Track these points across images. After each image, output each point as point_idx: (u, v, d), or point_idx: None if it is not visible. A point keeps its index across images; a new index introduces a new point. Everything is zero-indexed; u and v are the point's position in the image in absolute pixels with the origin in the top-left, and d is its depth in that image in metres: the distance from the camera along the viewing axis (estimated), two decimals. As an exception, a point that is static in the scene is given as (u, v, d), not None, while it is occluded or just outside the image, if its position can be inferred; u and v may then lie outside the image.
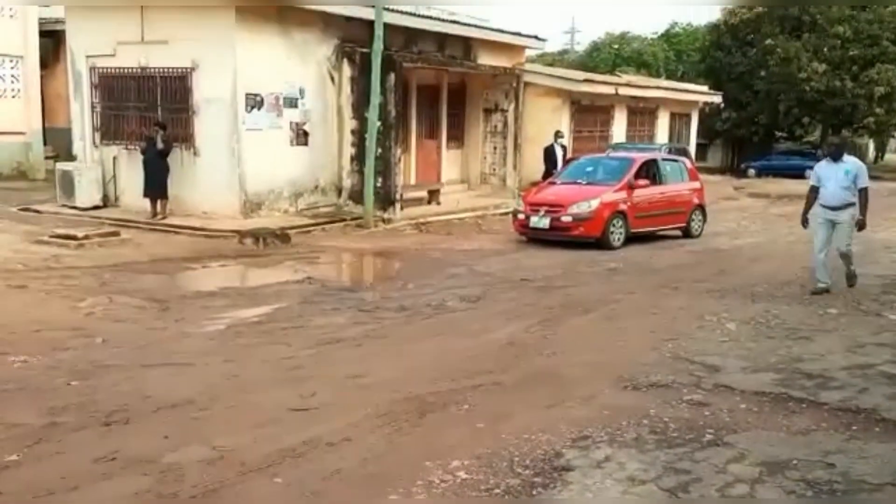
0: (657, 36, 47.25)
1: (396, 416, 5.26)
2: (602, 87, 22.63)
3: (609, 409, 5.48)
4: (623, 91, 23.38)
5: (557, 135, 18.00)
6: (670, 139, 26.57)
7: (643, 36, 47.12)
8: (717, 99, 30.14)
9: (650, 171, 13.99)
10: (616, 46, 45.78)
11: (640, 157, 14.50)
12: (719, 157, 39.15)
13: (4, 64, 19.65)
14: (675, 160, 15.55)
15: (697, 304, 8.70)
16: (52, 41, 21.19)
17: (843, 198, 8.97)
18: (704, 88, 30.85)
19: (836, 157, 9.05)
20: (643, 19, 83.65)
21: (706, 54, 36.34)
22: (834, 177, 8.95)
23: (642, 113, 25.63)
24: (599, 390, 5.79)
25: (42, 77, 20.92)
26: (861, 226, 8.98)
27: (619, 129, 24.23)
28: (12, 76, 19.83)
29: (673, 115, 27.57)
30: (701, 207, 14.90)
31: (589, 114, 22.89)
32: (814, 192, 9.19)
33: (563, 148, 18.01)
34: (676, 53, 45.13)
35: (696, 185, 15.05)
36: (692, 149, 27.11)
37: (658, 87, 26.61)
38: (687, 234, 14.46)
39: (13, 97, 19.89)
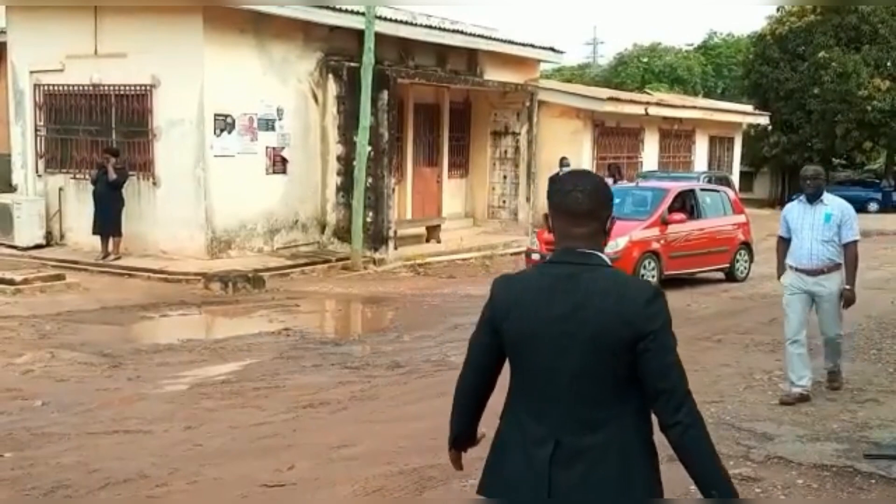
0: (693, 48, 47.77)
1: (389, 494, 5.21)
2: (629, 106, 22.81)
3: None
4: (654, 111, 23.56)
5: (563, 162, 18.05)
6: (710, 166, 26.67)
7: (677, 48, 47.65)
8: (763, 120, 30.32)
9: (687, 204, 14.01)
10: (645, 60, 46.26)
11: (675, 187, 14.56)
12: (767, 188, 39.25)
13: (-65, 80, 19.84)
14: (716, 190, 15.60)
15: (745, 360, 8.65)
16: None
17: (823, 256, 7.13)
18: (749, 108, 31.06)
19: (812, 197, 7.24)
20: (676, 28, 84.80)
21: (750, 69, 36.61)
22: (809, 225, 7.16)
23: (677, 136, 25.78)
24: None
25: (-22, 95, 21.10)
26: (848, 301, 7.26)
27: (649, 154, 24.36)
28: (-57, 94, 20.01)
29: (712, 139, 27.71)
30: (747, 245, 14.90)
31: (614, 137, 23.04)
32: (784, 245, 7.45)
33: None
34: (716, 68, 45.58)
35: (741, 219, 15.07)
36: (735, 178, 27.20)
37: (695, 107, 26.83)
38: (731, 276, 14.44)
39: (-56, 119, 20.05)
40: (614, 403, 2.49)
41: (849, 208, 7.38)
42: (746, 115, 29.88)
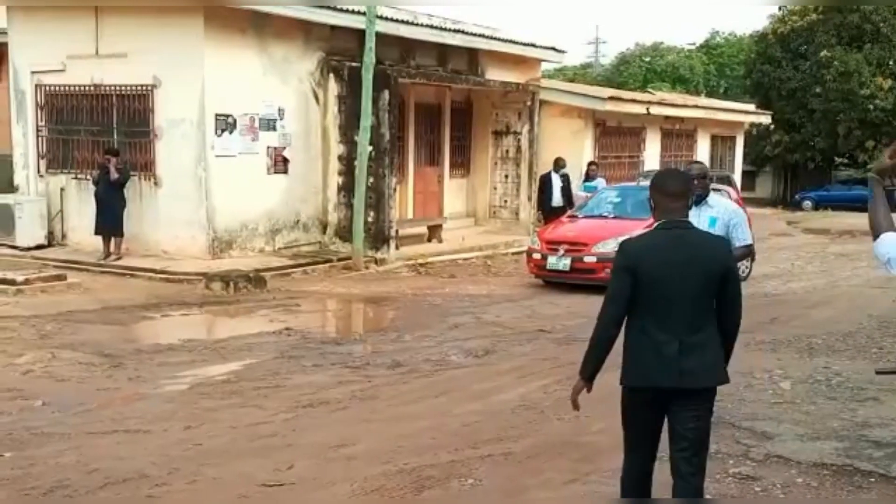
0: (695, 47, 47.77)
1: (389, 493, 5.22)
2: (631, 105, 22.79)
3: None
4: (656, 110, 23.55)
5: (558, 163, 18.12)
6: (711, 166, 26.59)
7: (679, 47, 47.65)
8: (765, 119, 30.32)
9: (689, 203, 13.97)
10: (647, 59, 46.27)
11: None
12: (769, 187, 39.28)
13: (-64, 81, 19.86)
14: (718, 190, 15.56)
15: (745, 359, 8.61)
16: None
17: None
18: (751, 107, 31.06)
19: (697, 199, 6.36)
20: (679, 28, 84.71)
21: (752, 68, 36.63)
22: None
23: (678, 135, 25.77)
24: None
25: (-20, 96, 21.12)
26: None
27: (651, 154, 24.36)
28: (-55, 95, 20.02)
29: (714, 138, 27.70)
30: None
31: (616, 137, 23.03)
32: None
33: (565, 178, 18.14)
34: (718, 67, 45.59)
35: (743, 218, 15.03)
36: (737, 177, 27.19)
37: (696, 106, 26.81)
38: (732, 276, 14.40)
39: (-55, 119, 20.07)
40: (709, 315, 4.00)
41: (738, 211, 6.62)
42: (748, 114, 29.86)
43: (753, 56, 37.31)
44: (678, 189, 4.11)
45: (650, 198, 4.18)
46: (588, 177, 18.28)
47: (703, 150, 27.01)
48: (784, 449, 6.02)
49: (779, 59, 35.00)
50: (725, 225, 6.47)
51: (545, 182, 17.77)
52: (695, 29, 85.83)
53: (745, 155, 31.08)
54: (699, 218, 6.19)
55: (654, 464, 4.23)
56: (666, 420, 4.08)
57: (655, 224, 4.12)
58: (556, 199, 17.76)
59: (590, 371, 4.11)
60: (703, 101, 29.94)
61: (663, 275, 3.92)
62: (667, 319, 3.92)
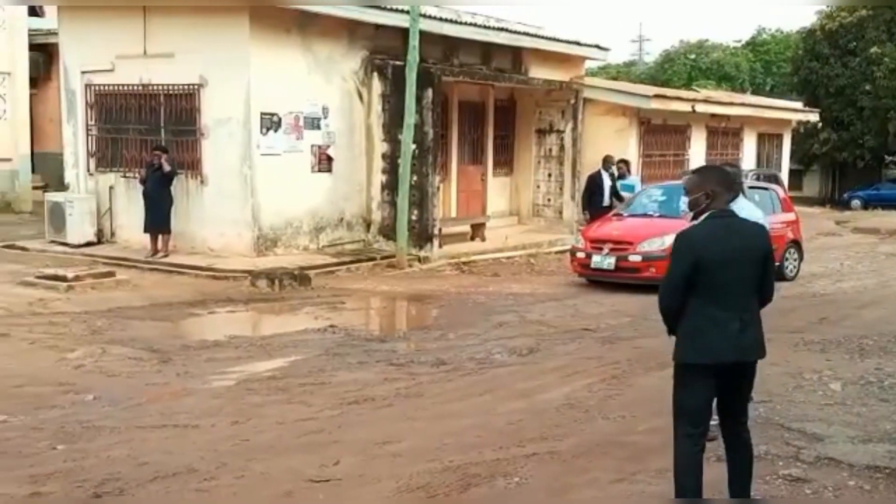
0: (741, 44, 47.19)
1: (434, 491, 5.22)
2: (676, 103, 22.56)
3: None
4: (701, 108, 23.29)
5: (608, 161, 17.68)
6: (758, 164, 26.32)
7: (724, 44, 47.09)
8: (813, 117, 29.85)
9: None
10: (692, 57, 45.78)
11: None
12: (817, 186, 38.74)
13: (-10, 81, 20.30)
14: (765, 188, 15.39)
15: (794, 360, 8.53)
16: (43, 56, 21.85)
17: None
18: (798, 105, 30.60)
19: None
20: (724, 25, 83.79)
21: (800, 65, 36.14)
22: None
23: (724, 134, 25.46)
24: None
25: (32, 96, 21.55)
26: None
27: (696, 152, 24.09)
28: (-2, 95, 20.46)
29: (761, 137, 27.33)
30: (796, 244, 14.69)
31: (661, 135, 22.80)
32: None
33: (614, 177, 17.81)
34: (764, 64, 44.99)
35: (790, 217, 14.86)
36: (784, 175, 26.81)
37: (742, 104, 26.48)
38: (780, 275, 14.21)
39: (-1, 119, 20.51)
40: (755, 294, 4.52)
41: (759, 217, 6.18)
42: (796, 112, 29.41)
43: (801, 53, 36.81)
44: (726, 181, 4.67)
45: (705, 190, 4.58)
46: (620, 175, 17.83)
47: (749, 149, 26.67)
48: (835, 451, 5.93)
49: (827, 55, 34.48)
50: None
51: (595, 181, 17.31)
52: (740, 26, 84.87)
53: (793, 153, 30.63)
54: None
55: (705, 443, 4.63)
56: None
57: (707, 213, 4.56)
58: (607, 199, 17.41)
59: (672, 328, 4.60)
60: (749, 98, 29.59)
61: (722, 259, 4.38)
62: (727, 300, 4.40)
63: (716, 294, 4.39)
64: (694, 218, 4.71)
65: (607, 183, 17.15)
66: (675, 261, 4.48)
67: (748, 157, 26.54)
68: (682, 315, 4.48)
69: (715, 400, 4.62)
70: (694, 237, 4.47)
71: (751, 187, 14.92)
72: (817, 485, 5.36)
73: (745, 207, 6.18)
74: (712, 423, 5.55)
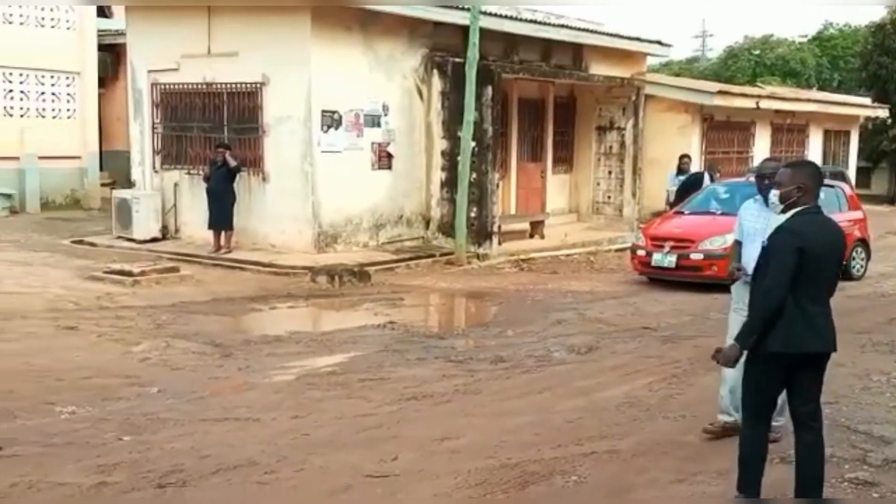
0: (807, 39, 46.21)
1: (492, 488, 5.21)
2: (740, 99, 22.23)
3: (751, 486, 5.29)
4: (765, 104, 22.91)
5: (712, 166, 17.16)
6: (824, 161, 25.80)
7: (790, 39, 46.17)
8: (882, 113, 29.13)
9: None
10: (757, 52, 44.94)
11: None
12: (885, 184, 37.67)
13: (60, 81, 20.81)
14: (831, 186, 15.01)
15: (861, 361, 8.34)
16: (111, 56, 22.35)
17: None
18: (866, 101, 29.88)
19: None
20: (789, 20, 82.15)
21: (868, 60, 35.19)
22: (762, 230, 5.55)
23: (789, 130, 25.02)
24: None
25: (100, 96, 22.05)
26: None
27: (760, 149, 23.70)
28: (68, 95, 20.97)
29: (827, 133, 26.80)
30: (863, 242, 14.37)
31: (724, 132, 22.50)
32: (739, 248, 6.25)
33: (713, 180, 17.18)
34: (831, 59, 43.97)
35: (858, 215, 14.53)
36: (852, 173, 26.26)
37: (808, 100, 25.96)
38: (846, 274, 13.88)
39: (68, 118, 21.02)
40: (834, 289, 4.73)
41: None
42: (864, 107, 28.73)
43: (870, 47, 35.84)
44: (822, 179, 4.82)
45: (797, 184, 4.62)
46: (680, 170, 17.45)
47: (815, 146, 26.17)
48: (903, 454, 5.78)
49: (897, 50, 33.54)
50: None
51: (699, 181, 16.40)
52: (806, 20, 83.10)
53: (860, 150, 29.92)
54: (769, 219, 5.59)
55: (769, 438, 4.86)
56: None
57: (800, 209, 4.63)
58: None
59: (751, 342, 4.57)
60: (815, 94, 28.98)
61: (820, 254, 4.51)
62: (818, 292, 4.57)
63: (807, 287, 4.51)
64: (783, 211, 4.71)
65: (706, 184, 16.70)
66: (783, 253, 4.49)
67: (814, 154, 26.02)
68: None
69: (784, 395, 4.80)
70: (798, 230, 4.53)
71: (817, 185, 14.71)
72: (885, 489, 5.24)
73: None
74: (776, 423, 5.47)
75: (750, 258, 5.70)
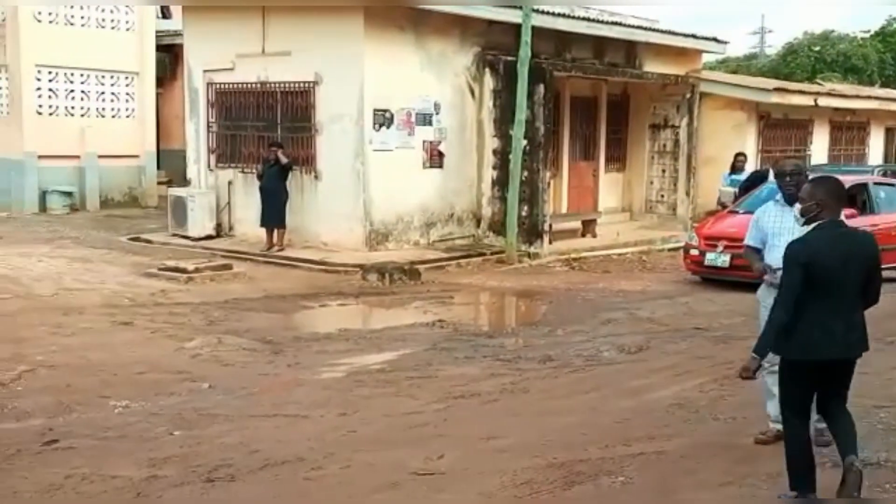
0: (869, 35, 45.22)
1: (538, 487, 5.20)
2: (798, 97, 21.83)
3: (802, 490, 5.20)
4: (824, 102, 22.45)
5: (739, 158, 17.05)
6: (885, 160, 25.23)
7: (851, 35, 45.23)
8: (946, 109, 28.40)
9: (858, 199, 13.32)
10: (817, 48, 44.11)
11: (847, 180, 13.79)
12: (950, 183, 36.78)
13: (119, 81, 21.22)
14: (892, 184, 14.73)
15: (920, 364, 8.13)
16: (169, 56, 22.73)
17: None
18: (931, 97, 29.17)
19: (793, 197, 5.83)
20: (851, 15, 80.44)
21: (933, 55, 34.38)
22: (789, 230, 5.69)
23: (849, 128, 24.50)
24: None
25: (158, 95, 22.44)
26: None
27: (819, 147, 23.27)
28: (127, 95, 21.37)
29: (889, 131, 26.18)
30: (925, 243, 14.01)
31: (781, 130, 22.11)
32: (754, 255, 6.32)
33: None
34: (894, 56, 42.99)
35: (918, 215, 14.18)
36: (914, 171, 25.59)
37: (869, 97, 25.36)
38: (903, 278, 13.62)
39: (127, 117, 21.42)
40: (859, 300, 4.86)
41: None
42: (927, 104, 28.03)
43: (934, 43, 35.01)
44: (839, 194, 4.94)
45: (815, 200, 4.83)
46: (735, 169, 17.14)
47: (876, 144, 25.59)
48: (962, 461, 5.63)
49: (963, 45, 32.68)
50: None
51: (763, 179, 16.10)
52: (870, 16, 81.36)
53: (924, 148, 29.21)
54: (784, 218, 5.86)
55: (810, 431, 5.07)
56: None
57: (818, 223, 4.83)
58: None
59: (767, 352, 4.88)
60: (876, 91, 28.32)
61: (832, 266, 4.70)
62: (834, 303, 4.73)
63: (824, 297, 4.71)
64: (805, 224, 4.93)
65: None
66: (790, 266, 4.74)
67: (875, 152, 25.46)
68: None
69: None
70: (807, 244, 4.77)
71: (876, 183, 14.40)
72: (942, 495, 5.11)
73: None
74: (822, 425, 5.43)
75: (774, 258, 5.76)
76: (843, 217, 5.01)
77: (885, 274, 14.47)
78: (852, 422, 5.00)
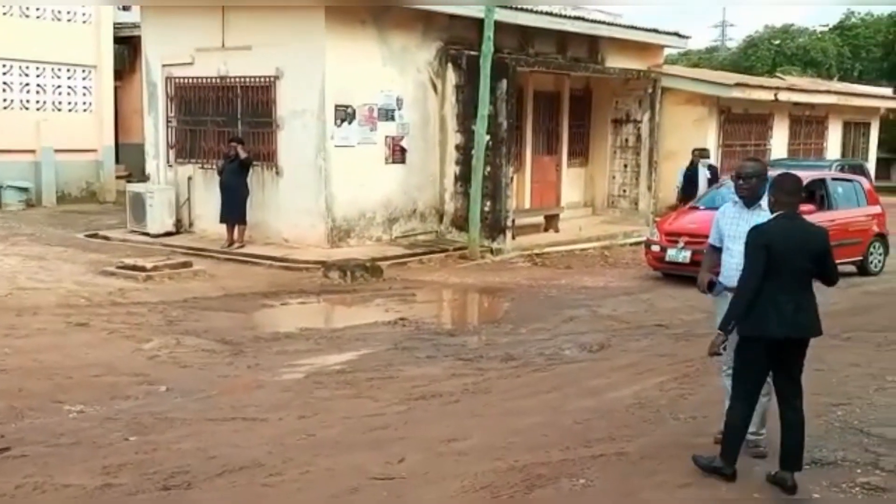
0: (828, 29, 45.76)
1: (498, 491, 5.19)
2: (758, 91, 22.02)
3: (760, 491, 5.25)
4: (784, 96, 22.69)
5: (700, 154, 17.32)
6: (843, 154, 25.57)
7: (811, 29, 45.75)
8: (903, 104, 28.87)
9: (817, 194, 13.47)
10: (777, 42, 44.56)
11: (804, 176, 13.88)
12: (906, 175, 37.39)
13: (76, 74, 20.86)
14: (849, 180, 14.93)
15: (876, 361, 8.25)
16: (127, 48, 22.39)
17: None
18: (888, 91, 29.60)
19: (749, 200, 5.86)
20: (811, 9, 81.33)
21: (890, 50, 34.96)
22: (743, 234, 5.51)
23: (808, 122, 24.79)
24: (750, 466, 5.53)
25: (116, 89, 22.09)
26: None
27: (778, 142, 23.51)
28: (84, 88, 21.02)
29: (847, 125, 26.54)
30: (882, 238, 14.24)
31: (742, 124, 22.30)
32: (714, 255, 6.13)
33: (713, 169, 17.33)
34: (853, 49, 43.54)
35: (876, 210, 14.39)
36: (871, 166, 25.98)
37: (828, 92, 25.70)
38: (863, 270, 13.81)
39: (84, 111, 21.07)
40: (810, 282, 5.33)
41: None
42: (885, 99, 28.44)
43: (892, 37, 35.57)
44: (793, 189, 5.40)
45: (772, 195, 5.42)
46: (693, 164, 17.38)
47: (834, 138, 25.93)
48: (917, 459, 5.70)
49: (920, 40, 33.21)
50: None
51: (694, 174, 16.85)
52: (828, 10, 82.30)
53: (881, 142, 29.64)
54: (749, 221, 5.64)
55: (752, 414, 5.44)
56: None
57: (776, 214, 5.35)
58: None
59: (732, 328, 5.30)
60: (835, 85, 28.70)
61: (785, 252, 5.18)
62: (786, 285, 5.19)
63: (776, 280, 5.17)
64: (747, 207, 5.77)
65: (704, 176, 16.79)
66: (753, 249, 5.23)
67: (833, 146, 25.81)
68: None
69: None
70: (765, 230, 5.29)
71: (834, 179, 14.57)
72: (897, 495, 5.17)
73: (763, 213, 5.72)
74: (759, 436, 5.80)
75: (726, 262, 5.93)
76: (800, 210, 5.48)
77: (842, 269, 14.67)
78: (803, 434, 5.28)
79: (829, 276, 5.44)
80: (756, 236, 5.27)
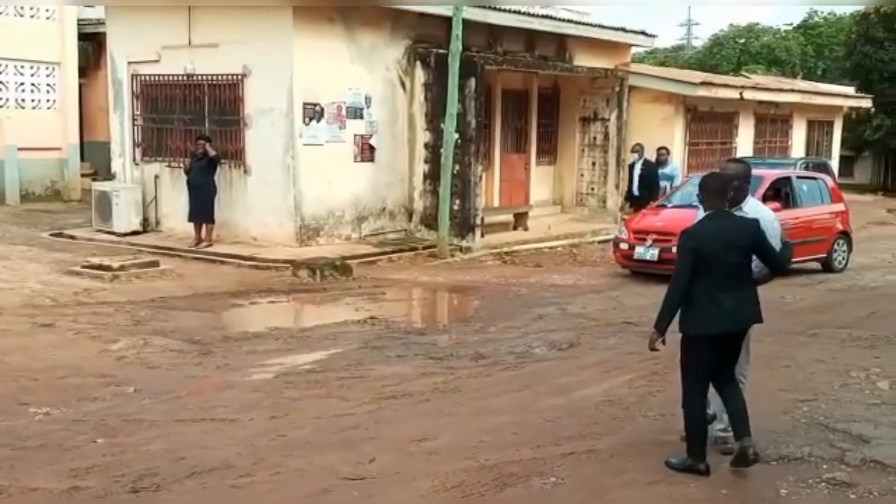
0: (792, 28, 46.29)
1: (469, 490, 5.19)
2: (724, 90, 22.22)
3: (728, 487, 5.29)
4: (749, 95, 22.92)
5: (661, 151, 17.81)
6: (807, 152, 25.87)
7: (775, 28, 46.26)
8: (865, 103, 29.24)
9: (782, 192, 13.62)
10: (742, 41, 45.03)
11: (770, 174, 14.13)
12: (868, 173, 37.89)
13: (39, 71, 20.56)
14: (813, 178, 15.12)
15: (841, 356, 8.35)
16: (92, 45, 22.12)
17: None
18: (850, 90, 29.97)
19: (731, 203, 5.86)
20: (775, 8, 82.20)
21: (852, 49, 35.33)
22: None
23: (773, 121, 25.05)
24: (717, 462, 5.57)
25: (81, 86, 21.81)
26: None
27: (744, 140, 23.74)
28: (48, 85, 20.73)
29: (811, 123, 26.85)
30: (845, 235, 14.42)
31: (708, 122, 22.50)
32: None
33: (647, 163, 17.65)
34: (816, 48, 44.09)
35: (839, 207, 14.58)
36: (835, 163, 26.32)
37: (793, 90, 26.00)
38: (827, 267, 13.99)
39: (48, 108, 20.78)
40: (747, 275, 5.51)
41: (772, 220, 5.93)
42: (848, 97, 28.82)
43: (854, 37, 35.98)
44: (718, 189, 5.60)
45: (699, 194, 5.68)
46: (658, 162, 17.65)
47: (798, 136, 26.22)
48: (882, 454, 5.77)
49: (881, 39, 33.63)
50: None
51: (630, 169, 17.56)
52: (792, 9, 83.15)
53: (844, 140, 30.03)
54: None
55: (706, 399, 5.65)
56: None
57: (708, 213, 5.54)
58: (636, 189, 17.34)
59: (665, 326, 5.47)
60: (799, 84, 29.02)
61: (716, 250, 5.36)
62: (723, 282, 5.38)
63: (711, 277, 5.36)
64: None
65: (636, 171, 17.23)
66: (681, 252, 5.45)
67: (797, 144, 26.10)
68: (688, 297, 5.40)
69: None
70: (692, 233, 5.50)
71: (798, 177, 14.73)
72: (862, 489, 5.23)
73: (753, 211, 5.89)
74: (726, 434, 5.81)
75: None
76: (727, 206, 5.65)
77: (807, 266, 14.83)
78: (744, 401, 5.55)
79: (772, 263, 5.60)
80: (685, 240, 5.46)
